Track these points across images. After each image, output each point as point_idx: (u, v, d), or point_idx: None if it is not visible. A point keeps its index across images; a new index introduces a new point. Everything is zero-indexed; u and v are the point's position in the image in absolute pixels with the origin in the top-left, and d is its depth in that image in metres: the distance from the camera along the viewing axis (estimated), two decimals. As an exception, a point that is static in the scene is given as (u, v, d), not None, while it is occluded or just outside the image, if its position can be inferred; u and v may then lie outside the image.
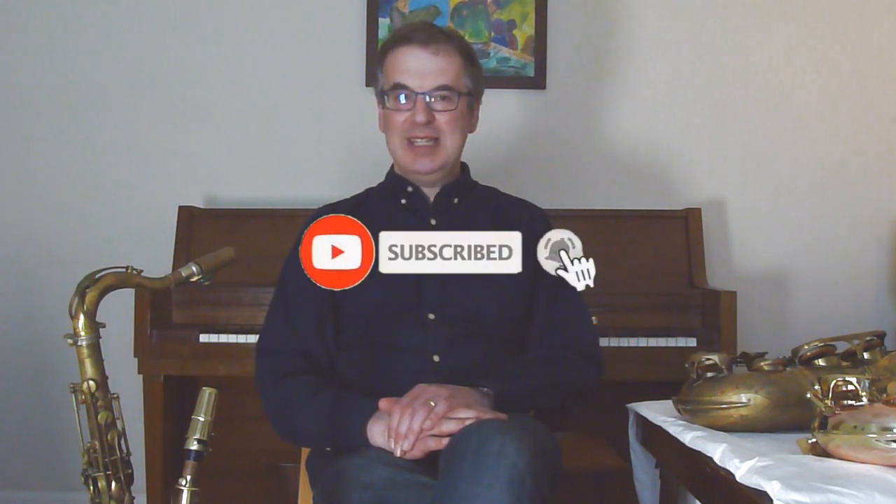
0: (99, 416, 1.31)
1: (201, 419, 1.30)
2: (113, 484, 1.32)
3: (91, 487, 1.32)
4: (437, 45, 1.65)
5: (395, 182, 1.77)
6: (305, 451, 1.73)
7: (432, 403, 1.42)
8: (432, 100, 1.65)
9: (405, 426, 1.41)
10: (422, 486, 1.34)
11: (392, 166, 1.81)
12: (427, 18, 2.76)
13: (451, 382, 1.52)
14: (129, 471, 1.34)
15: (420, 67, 1.64)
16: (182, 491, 1.30)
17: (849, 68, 2.84)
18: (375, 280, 1.63)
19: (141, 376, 2.34)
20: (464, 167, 1.80)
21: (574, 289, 1.72)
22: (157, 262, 2.52)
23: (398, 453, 1.41)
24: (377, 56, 1.75)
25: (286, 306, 1.68)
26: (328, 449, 1.56)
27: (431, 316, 1.64)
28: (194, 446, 1.30)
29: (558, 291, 1.69)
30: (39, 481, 2.80)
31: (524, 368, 1.63)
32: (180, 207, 2.65)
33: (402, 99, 1.66)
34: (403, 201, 1.75)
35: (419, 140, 1.66)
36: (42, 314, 2.76)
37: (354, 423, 1.49)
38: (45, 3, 2.80)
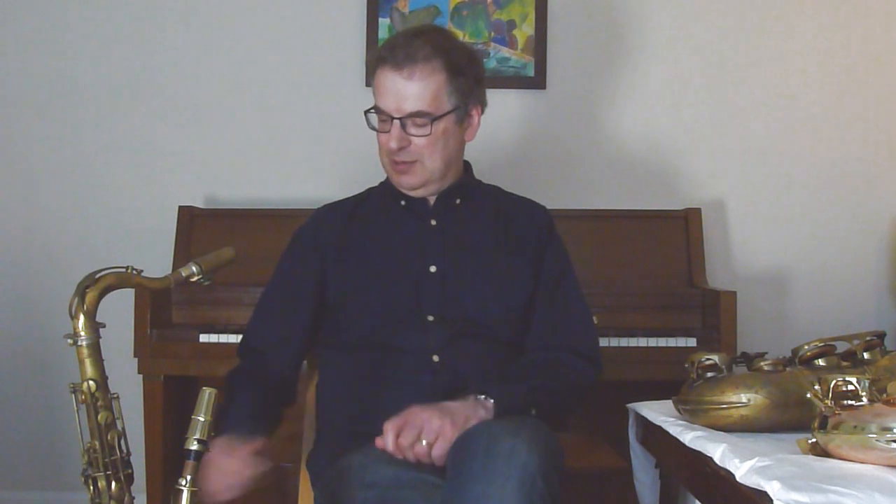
0: (99, 416, 1.30)
1: (201, 419, 1.30)
2: (113, 484, 1.31)
3: (91, 487, 1.31)
4: (412, 68, 1.58)
5: None
6: (306, 451, 1.73)
7: (423, 442, 1.38)
8: (407, 125, 1.61)
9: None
10: (428, 486, 1.34)
11: None
12: (427, 19, 2.76)
13: (450, 382, 1.52)
14: (129, 471, 1.34)
15: (395, 92, 1.60)
16: (182, 491, 1.29)
17: (849, 68, 2.84)
18: (375, 283, 1.64)
19: (141, 376, 2.35)
20: (467, 167, 1.78)
21: (575, 287, 1.73)
22: (157, 262, 2.52)
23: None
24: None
25: (263, 302, 1.72)
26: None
27: (430, 318, 1.63)
28: (194, 446, 1.29)
29: (558, 290, 1.69)
30: (39, 481, 2.80)
31: (524, 372, 1.62)
32: (180, 207, 2.65)
33: (379, 122, 1.64)
34: (403, 202, 1.74)
35: (397, 163, 1.65)
36: (42, 314, 2.76)
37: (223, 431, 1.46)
38: (45, 4, 2.80)
